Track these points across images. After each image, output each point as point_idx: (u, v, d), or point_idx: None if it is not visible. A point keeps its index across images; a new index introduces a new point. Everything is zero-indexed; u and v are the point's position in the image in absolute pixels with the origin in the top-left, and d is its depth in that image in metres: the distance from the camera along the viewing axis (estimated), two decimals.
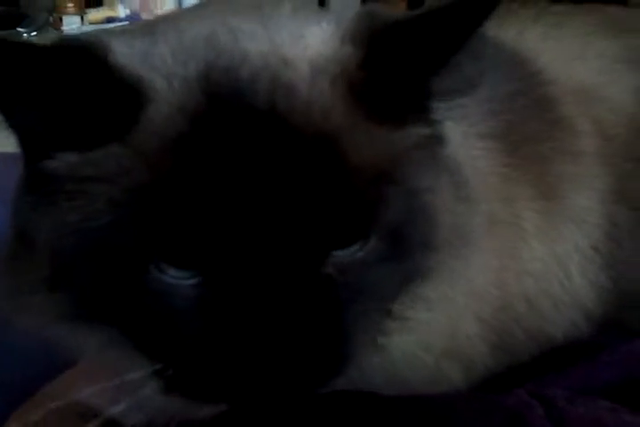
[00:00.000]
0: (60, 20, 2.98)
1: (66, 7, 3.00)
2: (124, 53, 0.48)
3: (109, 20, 3.02)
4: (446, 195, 0.54)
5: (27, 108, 0.47)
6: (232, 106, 0.46)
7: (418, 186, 0.51)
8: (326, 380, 0.48)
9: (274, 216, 0.45)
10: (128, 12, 3.08)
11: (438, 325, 0.60)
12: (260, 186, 0.45)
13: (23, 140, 0.50)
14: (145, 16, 3.03)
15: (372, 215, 0.48)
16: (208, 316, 0.46)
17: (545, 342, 0.71)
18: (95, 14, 3.05)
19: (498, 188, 0.66)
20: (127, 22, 2.93)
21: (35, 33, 2.85)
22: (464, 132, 0.65)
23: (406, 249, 0.50)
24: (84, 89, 0.45)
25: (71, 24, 2.96)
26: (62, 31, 2.92)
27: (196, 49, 0.48)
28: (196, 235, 0.45)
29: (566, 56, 0.78)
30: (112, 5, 3.09)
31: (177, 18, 0.54)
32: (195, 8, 0.62)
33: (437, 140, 0.54)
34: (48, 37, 2.66)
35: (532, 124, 0.71)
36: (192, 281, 0.46)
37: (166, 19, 0.55)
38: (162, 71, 0.47)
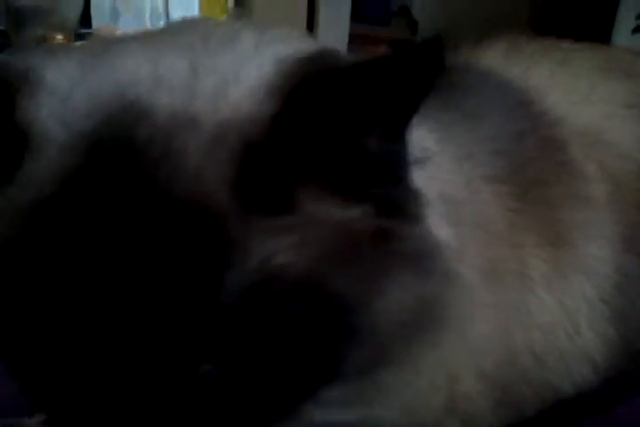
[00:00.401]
0: None
1: (54, 39, 3.00)
2: (49, 89, 0.44)
3: None
4: (400, 283, 0.45)
5: None
6: (112, 170, 0.40)
7: (340, 288, 0.42)
8: None
9: (127, 305, 0.39)
10: None
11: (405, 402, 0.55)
12: (118, 265, 0.39)
13: None
14: None
15: (261, 322, 0.40)
16: (74, 389, 0.42)
17: (552, 396, 0.67)
18: None
19: (504, 234, 0.62)
20: None
21: None
22: (467, 175, 0.61)
23: (326, 352, 0.43)
24: None
25: None
26: None
27: (113, 95, 0.43)
28: (47, 309, 0.40)
29: (573, 97, 0.75)
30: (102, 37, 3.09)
31: (127, 46, 0.48)
32: (152, 34, 0.54)
33: (392, 215, 0.45)
34: None
35: (539, 167, 0.68)
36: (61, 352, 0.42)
37: (120, 44, 0.49)
38: (66, 119, 0.42)
